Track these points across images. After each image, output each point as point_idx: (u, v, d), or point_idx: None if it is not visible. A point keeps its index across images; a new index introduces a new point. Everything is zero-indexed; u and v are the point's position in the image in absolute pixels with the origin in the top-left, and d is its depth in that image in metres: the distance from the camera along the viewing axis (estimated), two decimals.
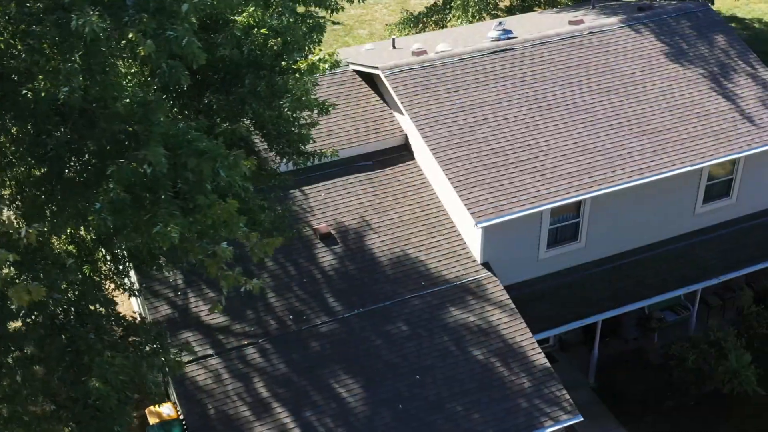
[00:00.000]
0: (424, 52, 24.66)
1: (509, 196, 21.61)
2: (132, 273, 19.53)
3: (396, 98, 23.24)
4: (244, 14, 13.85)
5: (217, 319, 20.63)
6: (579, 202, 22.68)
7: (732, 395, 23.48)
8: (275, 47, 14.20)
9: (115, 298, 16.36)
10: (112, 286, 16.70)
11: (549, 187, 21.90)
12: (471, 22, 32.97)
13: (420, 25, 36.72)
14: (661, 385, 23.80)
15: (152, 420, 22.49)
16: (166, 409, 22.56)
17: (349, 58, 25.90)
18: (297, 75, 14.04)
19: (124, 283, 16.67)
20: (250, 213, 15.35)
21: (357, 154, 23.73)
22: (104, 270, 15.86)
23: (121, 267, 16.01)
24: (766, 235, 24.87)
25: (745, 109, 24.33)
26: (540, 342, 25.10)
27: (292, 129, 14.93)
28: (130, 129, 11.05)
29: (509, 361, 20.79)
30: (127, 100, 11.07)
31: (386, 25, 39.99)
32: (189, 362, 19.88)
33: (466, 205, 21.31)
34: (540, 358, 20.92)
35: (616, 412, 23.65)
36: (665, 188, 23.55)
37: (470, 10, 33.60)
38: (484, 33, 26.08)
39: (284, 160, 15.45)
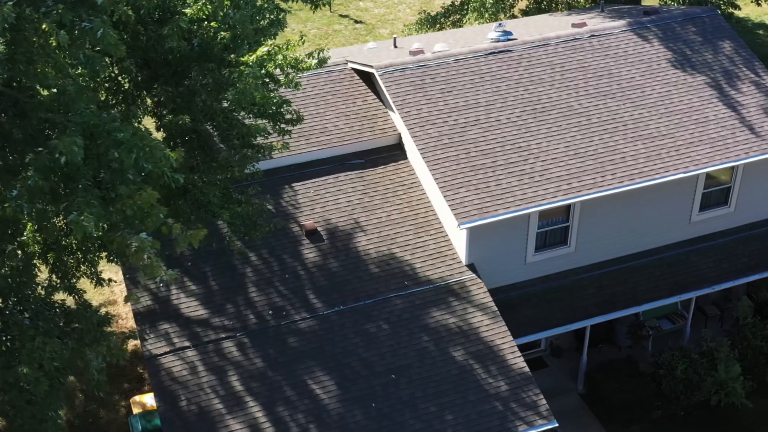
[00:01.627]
0: (421, 51, 24.61)
1: (495, 197, 21.49)
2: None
3: (388, 97, 23.24)
4: (194, 7, 13.96)
5: (197, 311, 20.79)
6: (568, 206, 22.49)
7: (723, 407, 23.14)
8: (224, 40, 14.28)
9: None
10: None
11: (536, 190, 21.74)
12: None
13: (437, 26, 36.66)
14: (650, 394, 23.48)
15: (135, 410, 22.81)
16: (150, 400, 22.85)
17: (349, 56, 25.95)
18: (242, 68, 14.07)
19: (95, 272, 16.85)
20: (209, 206, 15.41)
21: (349, 152, 23.75)
22: (71, 258, 16.04)
23: (90, 255, 16.17)
24: (763, 246, 24.43)
25: (746, 117, 23.93)
26: (532, 347, 25.10)
27: (242, 122, 14.97)
28: (53, 118, 11.18)
29: (488, 364, 20.67)
30: (55, 90, 11.21)
31: (405, 25, 39.98)
32: (166, 353, 20.11)
33: (450, 205, 21.23)
34: (519, 362, 20.77)
35: (603, 420, 23.43)
36: (659, 195, 23.25)
37: (486, 12, 33.47)
38: (486, 34, 25.94)
39: (232, 152, 15.52)
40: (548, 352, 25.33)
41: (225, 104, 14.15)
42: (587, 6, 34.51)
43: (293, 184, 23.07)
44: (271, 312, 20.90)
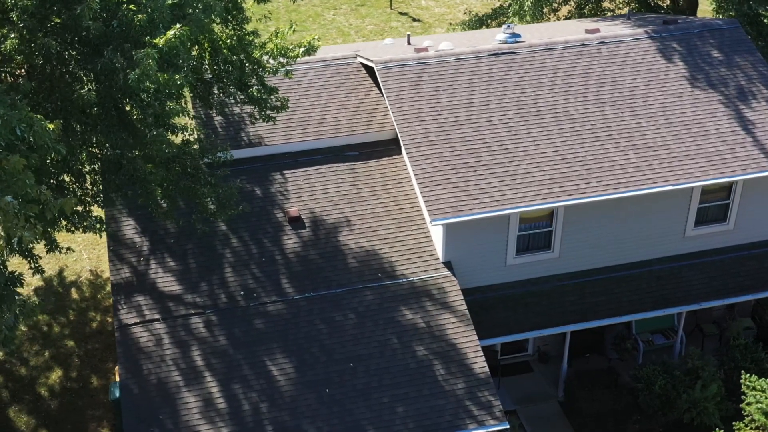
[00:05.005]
0: (425, 49, 24.82)
1: (472, 197, 21.57)
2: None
3: (383, 91, 23.54)
4: None
5: (172, 287, 21.51)
6: (552, 211, 22.40)
7: (699, 426, 22.64)
8: (140, 23, 14.87)
9: None
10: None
11: (515, 193, 21.72)
12: None
13: (483, 27, 36.69)
14: (626, 406, 23.21)
15: (118, 378, 23.68)
16: None
17: (362, 51, 26.33)
18: (147, 49, 14.59)
19: (49, 238, 17.63)
20: (144, 182, 16.04)
21: (345, 144, 24.13)
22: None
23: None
24: (761, 266, 23.78)
25: (751, 134, 23.33)
26: (518, 350, 25.06)
27: (157, 101, 15.51)
28: None
29: (448, 362, 20.77)
30: None
31: (450, 24, 40.12)
32: (135, 324, 20.90)
33: (425, 201, 21.43)
34: (480, 363, 20.80)
35: (577, 429, 23.23)
36: (651, 206, 22.93)
37: (526, 14, 33.36)
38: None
39: (147, 130, 16.01)
40: (536, 357, 25.23)
41: (136, 84, 14.70)
42: (634, 10, 34.14)
43: (285, 171, 23.58)
44: (242, 293, 21.47)
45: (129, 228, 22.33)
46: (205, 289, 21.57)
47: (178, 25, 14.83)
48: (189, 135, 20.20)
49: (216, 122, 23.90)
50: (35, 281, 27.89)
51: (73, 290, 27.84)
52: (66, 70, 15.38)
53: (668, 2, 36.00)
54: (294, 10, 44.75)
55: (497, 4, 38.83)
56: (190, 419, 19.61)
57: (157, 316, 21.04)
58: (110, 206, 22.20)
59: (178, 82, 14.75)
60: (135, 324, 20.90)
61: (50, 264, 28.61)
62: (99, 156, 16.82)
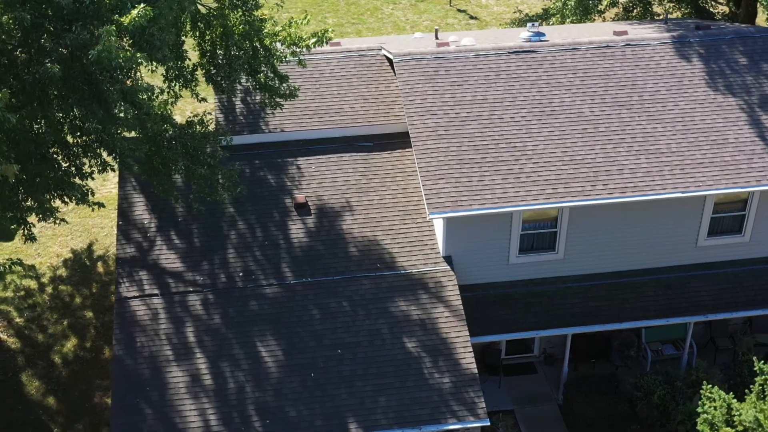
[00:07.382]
0: (447, 44, 24.82)
1: (473, 193, 21.52)
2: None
3: (399, 84, 23.64)
4: None
5: (175, 264, 22.01)
6: (557, 211, 22.19)
7: None
8: (110, 2, 15.28)
9: None
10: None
11: (518, 191, 21.59)
12: None
13: None
14: (622, 414, 22.86)
15: None
16: None
17: (388, 43, 26.46)
18: (108, 27, 14.93)
19: (46, 208, 18.22)
20: (121, 156, 16.53)
21: (360, 134, 24.30)
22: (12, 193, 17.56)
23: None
24: None
25: None
26: (524, 351, 24.92)
27: (129, 78, 15.89)
28: None
29: (436, 356, 20.79)
30: None
31: (499, 24, 39.88)
32: (135, 297, 21.46)
33: (425, 194, 21.47)
34: (468, 359, 20.76)
35: None
36: (661, 213, 22.54)
37: (569, 15, 33.05)
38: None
39: (115, 105, 16.37)
40: (541, 359, 25.02)
41: (98, 59, 15.09)
42: (681, 16, 33.53)
43: (298, 158, 23.87)
44: (241, 274, 21.84)
45: (140, 206, 22.91)
46: (206, 268, 22.00)
47: (140, 6, 15.20)
48: (193, 116, 20.70)
49: (236, 107, 24.37)
50: (65, 253, 28.85)
51: (99, 264, 28.65)
52: (39, 44, 15.91)
53: (722, 9, 35.25)
54: (354, 3, 45.08)
55: (550, 5, 38.55)
56: (176, 393, 20.08)
57: (156, 291, 21.55)
58: (123, 184, 22.87)
59: (139, 60, 15.14)
60: (134, 297, 21.45)
61: (81, 238, 29.56)
62: (81, 129, 17.35)
